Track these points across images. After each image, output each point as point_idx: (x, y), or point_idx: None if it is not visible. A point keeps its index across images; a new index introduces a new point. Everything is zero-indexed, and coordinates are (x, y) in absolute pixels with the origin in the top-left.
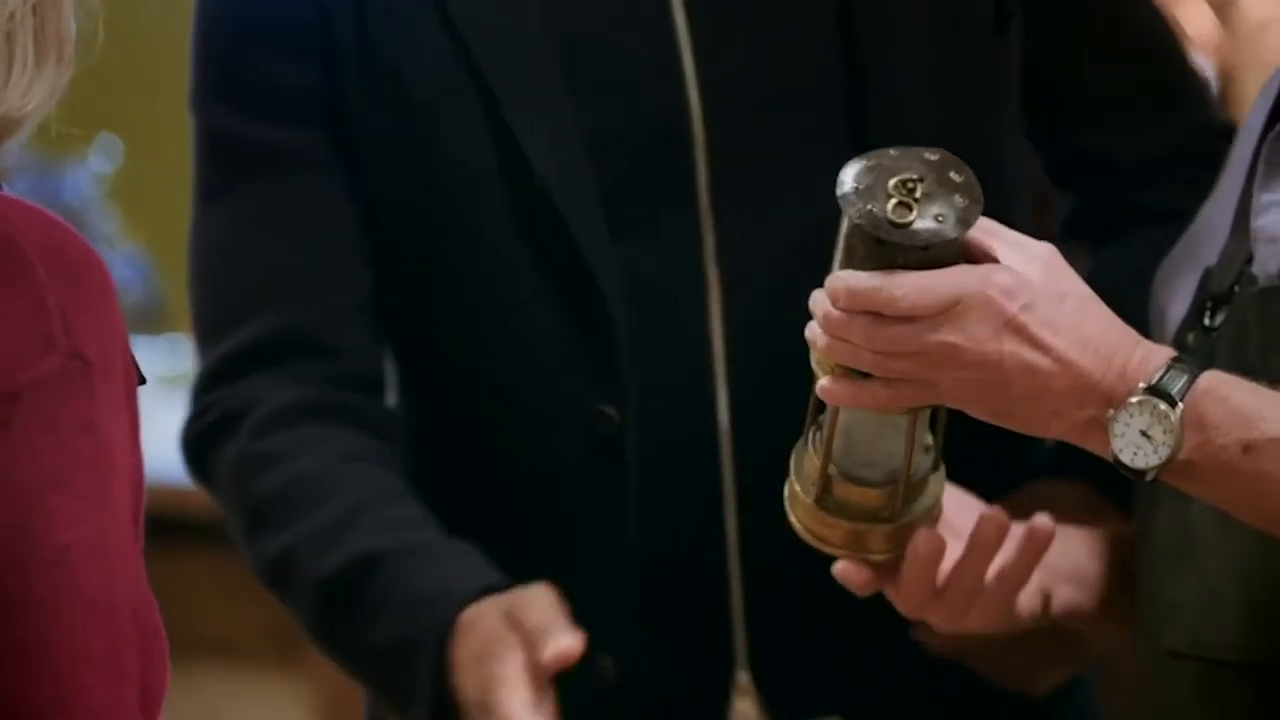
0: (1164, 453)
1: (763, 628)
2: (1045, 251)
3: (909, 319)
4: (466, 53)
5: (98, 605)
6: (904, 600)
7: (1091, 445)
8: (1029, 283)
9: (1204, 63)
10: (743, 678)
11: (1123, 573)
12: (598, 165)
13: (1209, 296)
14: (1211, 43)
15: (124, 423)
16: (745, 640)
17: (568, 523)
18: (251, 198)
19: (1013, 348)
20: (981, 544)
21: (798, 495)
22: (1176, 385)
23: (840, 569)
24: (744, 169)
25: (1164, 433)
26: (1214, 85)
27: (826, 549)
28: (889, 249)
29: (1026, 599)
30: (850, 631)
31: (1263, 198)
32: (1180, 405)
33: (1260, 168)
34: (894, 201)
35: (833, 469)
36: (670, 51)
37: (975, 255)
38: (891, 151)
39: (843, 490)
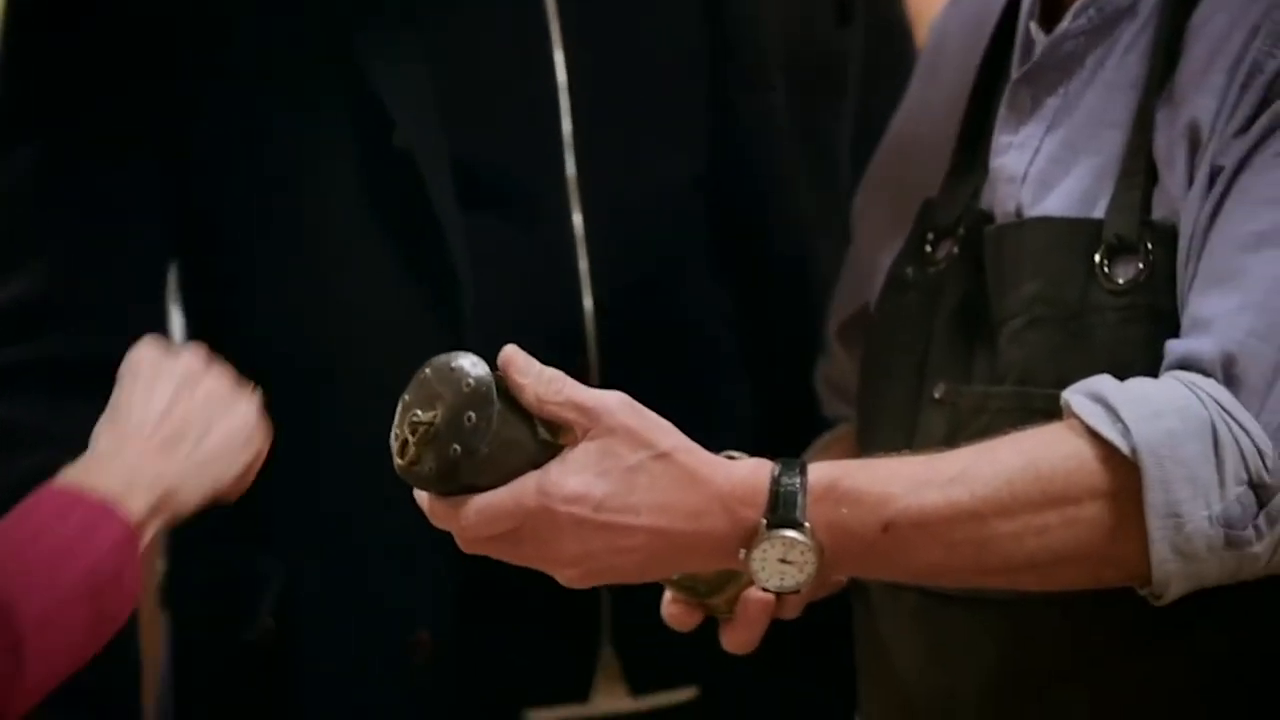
0: (809, 569)
1: (627, 606)
2: (617, 413)
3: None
4: (329, 13)
5: None
6: (730, 643)
7: (736, 569)
8: (598, 474)
9: None
10: (607, 652)
11: None
12: (457, 132)
13: (930, 229)
14: None
15: None
16: (611, 618)
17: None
18: (52, 143)
19: (599, 543)
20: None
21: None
22: (794, 506)
23: (669, 613)
24: (609, 143)
25: (801, 554)
26: None
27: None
28: None
29: None
30: None
31: (1003, 139)
32: (807, 524)
33: (1002, 109)
34: (399, 442)
35: None
36: (539, 27)
37: (551, 424)
38: (437, 368)
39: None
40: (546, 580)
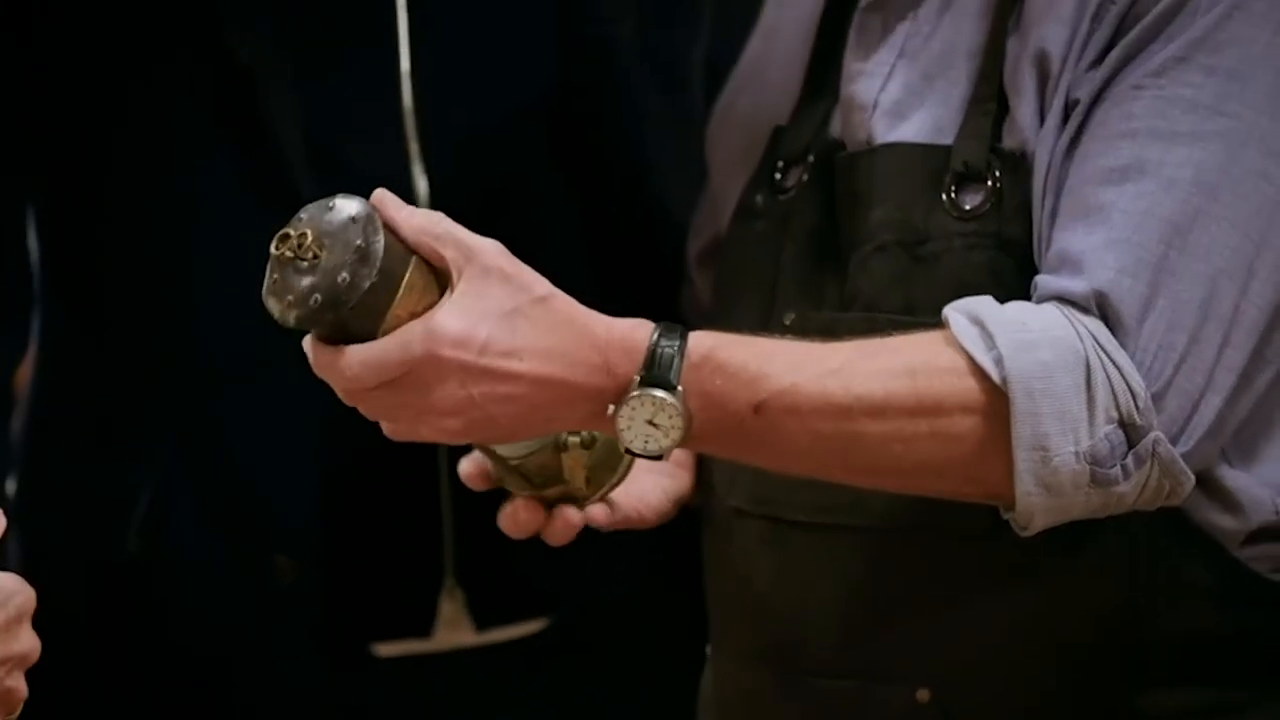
0: (675, 435)
1: (469, 540)
2: (494, 254)
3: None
4: None
5: None
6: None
7: (603, 430)
8: (480, 317)
9: None
10: (450, 583)
11: None
12: (298, 54)
13: (780, 156)
14: None
15: None
16: (453, 552)
17: (266, 413)
18: None
19: (482, 389)
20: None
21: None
22: (670, 368)
23: (508, 517)
24: (447, 69)
25: (669, 418)
26: None
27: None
28: None
29: (656, 499)
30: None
31: (853, 66)
32: (679, 388)
33: (851, 36)
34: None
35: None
36: None
37: (429, 261)
38: (319, 204)
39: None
40: (389, 514)
